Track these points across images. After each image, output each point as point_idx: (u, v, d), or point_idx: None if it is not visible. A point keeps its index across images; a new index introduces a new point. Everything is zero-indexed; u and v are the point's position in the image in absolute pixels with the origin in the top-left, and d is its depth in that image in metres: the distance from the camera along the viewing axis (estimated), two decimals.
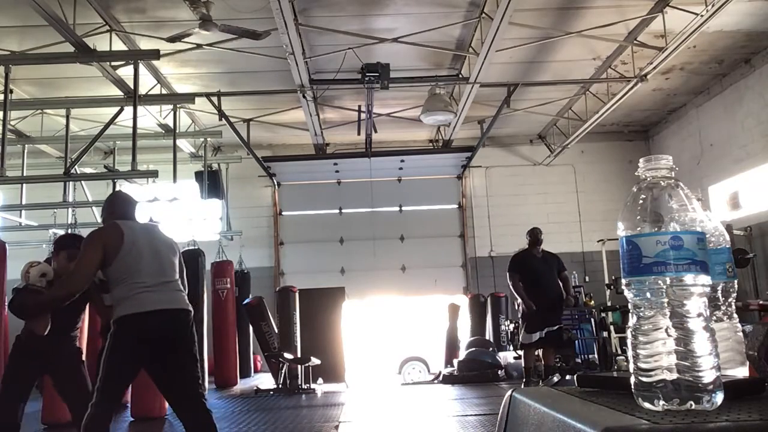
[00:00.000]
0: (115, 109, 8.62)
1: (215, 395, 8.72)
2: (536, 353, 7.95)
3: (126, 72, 8.27)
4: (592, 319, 9.62)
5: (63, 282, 3.43)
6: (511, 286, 7.72)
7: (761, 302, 6.48)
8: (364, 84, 8.86)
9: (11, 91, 8.33)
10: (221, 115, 10.12)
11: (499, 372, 9.48)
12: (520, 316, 7.92)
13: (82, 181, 10.51)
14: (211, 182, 11.64)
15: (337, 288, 10.38)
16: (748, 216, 10.43)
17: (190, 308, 3.38)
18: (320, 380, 9.05)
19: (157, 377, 3.28)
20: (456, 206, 13.90)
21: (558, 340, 7.72)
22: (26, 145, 10.93)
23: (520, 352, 9.92)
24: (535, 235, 7.78)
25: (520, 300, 7.61)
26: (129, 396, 6.55)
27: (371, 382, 10.44)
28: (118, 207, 3.59)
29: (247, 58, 8.94)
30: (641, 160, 1.02)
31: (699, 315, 0.92)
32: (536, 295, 7.47)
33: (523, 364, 7.97)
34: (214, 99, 9.97)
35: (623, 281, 0.98)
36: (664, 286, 0.93)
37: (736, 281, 1.20)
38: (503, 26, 7.48)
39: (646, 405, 0.91)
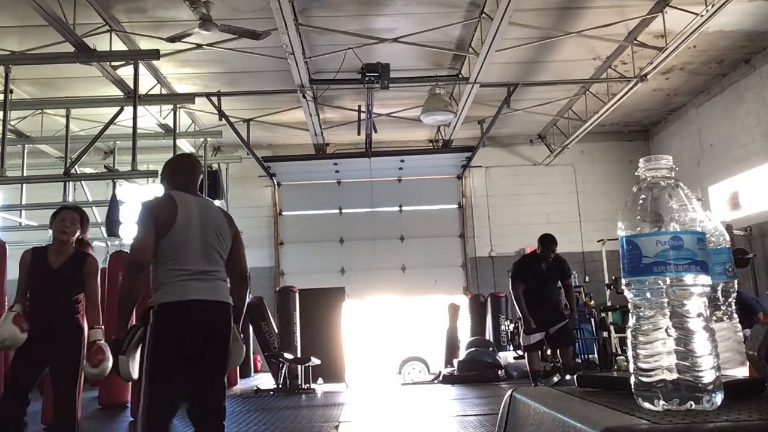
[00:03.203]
0: (115, 109, 8.62)
1: None
2: (550, 355, 7.77)
3: (126, 72, 8.27)
4: (592, 319, 9.62)
5: (123, 268, 3.10)
6: (512, 296, 7.22)
7: None
8: (364, 84, 8.86)
9: (11, 91, 8.33)
10: (221, 115, 10.13)
11: (499, 372, 9.48)
12: (519, 317, 7.83)
13: (82, 181, 10.51)
14: (211, 182, 11.63)
15: (337, 288, 10.40)
16: (748, 216, 10.43)
17: (231, 301, 3.12)
18: (320, 380, 9.05)
19: (185, 372, 2.97)
20: (456, 206, 13.90)
21: (568, 336, 7.36)
22: (26, 145, 10.93)
23: (521, 353, 9.96)
24: (543, 242, 7.19)
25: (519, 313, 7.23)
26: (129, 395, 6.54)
27: (371, 382, 10.44)
28: (178, 175, 3.25)
29: (247, 58, 8.94)
30: (641, 160, 1.02)
31: (699, 315, 0.92)
32: (534, 303, 7.07)
33: (528, 368, 7.83)
34: (214, 99, 9.98)
35: (623, 281, 0.98)
36: (664, 286, 0.93)
37: (736, 281, 1.20)
38: (503, 26, 7.48)
39: (646, 405, 0.91)
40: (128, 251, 3.15)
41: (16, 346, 3.74)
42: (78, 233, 3.99)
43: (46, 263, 3.88)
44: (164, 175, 3.31)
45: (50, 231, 4.04)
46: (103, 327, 3.93)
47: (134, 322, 3.06)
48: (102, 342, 3.81)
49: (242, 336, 3.27)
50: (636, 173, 1.02)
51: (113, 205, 8.45)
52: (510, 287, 7.22)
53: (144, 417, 2.81)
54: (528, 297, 7.07)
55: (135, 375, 2.95)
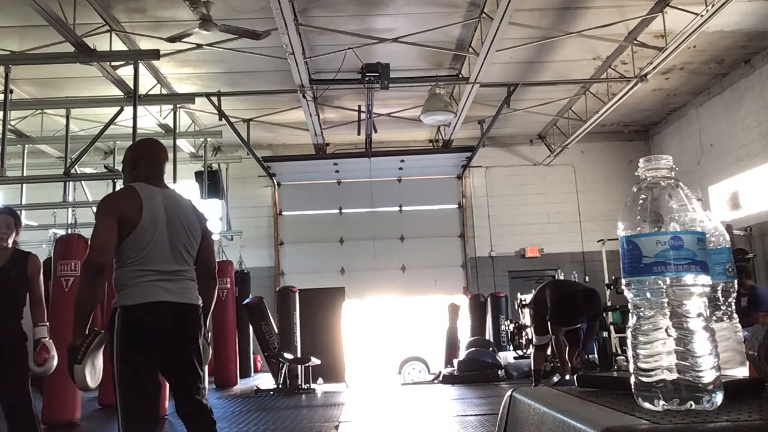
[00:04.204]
0: (115, 109, 8.62)
1: (215, 395, 8.72)
2: (550, 355, 7.78)
3: (126, 72, 8.27)
4: None
5: (82, 270, 2.81)
6: (552, 341, 7.07)
7: None
8: (364, 84, 8.87)
9: (11, 91, 8.33)
10: (221, 115, 10.13)
11: (499, 372, 9.48)
12: (530, 317, 7.80)
13: (82, 181, 10.49)
14: (211, 182, 11.64)
15: (337, 288, 10.39)
16: (748, 216, 10.43)
17: (200, 303, 2.93)
18: (320, 380, 9.05)
19: (157, 375, 2.86)
20: (456, 206, 13.90)
21: (577, 339, 7.41)
22: (26, 145, 10.94)
23: (521, 352, 9.96)
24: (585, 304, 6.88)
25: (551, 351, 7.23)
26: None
27: (371, 382, 10.44)
28: (142, 163, 2.95)
29: (247, 58, 8.94)
30: (641, 160, 1.02)
31: (699, 315, 0.92)
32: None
33: (532, 366, 7.84)
34: (214, 99, 9.98)
35: (623, 281, 0.98)
36: (664, 286, 0.93)
37: (736, 281, 1.20)
38: (503, 26, 7.48)
39: (646, 405, 0.91)
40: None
41: None
42: (14, 236, 3.97)
43: None
44: (127, 163, 2.99)
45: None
46: (48, 324, 3.92)
47: (95, 327, 2.85)
48: (47, 340, 3.79)
49: (210, 334, 3.14)
50: (636, 173, 1.02)
51: None
52: (550, 330, 7.06)
53: (124, 424, 2.63)
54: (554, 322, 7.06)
55: (92, 384, 2.72)
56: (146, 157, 2.97)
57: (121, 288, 2.76)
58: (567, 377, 7.04)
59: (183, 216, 2.90)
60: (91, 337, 2.71)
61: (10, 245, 3.95)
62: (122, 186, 3.02)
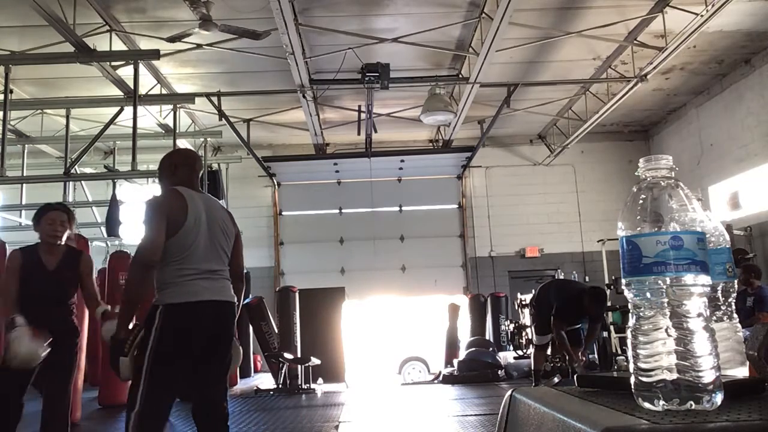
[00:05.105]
0: (115, 109, 8.62)
1: None
2: (551, 355, 7.78)
3: (126, 72, 8.27)
4: None
5: (131, 266, 2.90)
6: (555, 334, 7.03)
7: None
8: (364, 84, 8.86)
9: (11, 91, 8.33)
10: (221, 115, 10.13)
11: (499, 372, 9.48)
12: (531, 316, 7.79)
13: (82, 181, 10.52)
14: (211, 182, 11.62)
15: (337, 288, 10.39)
16: (748, 216, 10.43)
17: (235, 300, 3.02)
18: (320, 380, 9.05)
19: (190, 375, 2.89)
20: (456, 206, 13.90)
21: (579, 339, 7.40)
22: (26, 145, 10.93)
23: (521, 352, 9.96)
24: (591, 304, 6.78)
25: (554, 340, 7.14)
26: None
27: (371, 382, 10.44)
28: (182, 169, 3.07)
29: (247, 58, 8.94)
30: (641, 160, 1.02)
31: (699, 315, 0.92)
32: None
33: (532, 366, 7.83)
34: (214, 99, 9.98)
35: (623, 281, 0.98)
36: (664, 286, 0.93)
37: (736, 281, 1.20)
38: (503, 26, 7.48)
39: (646, 405, 0.91)
40: (129, 251, 3.07)
41: (34, 365, 3.52)
42: (68, 233, 3.92)
43: (41, 264, 3.79)
44: (165, 169, 3.11)
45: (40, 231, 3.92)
46: (108, 306, 3.92)
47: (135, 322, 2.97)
48: (109, 309, 3.79)
49: (238, 337, 3.19)
50: (636, 173, 1.02)
51: (113, 205, 8.45)
52: (552, 325, 7.02)
53: (138, 419, 2.68)
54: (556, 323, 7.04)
55: (131, 376, 2.80)
56: (184, 165, 3.11)
57: (164, 287, 2.84)
58: (578, 371, 6.98)
59: (220, 218, 3.04)
60: (136, 331, 2.82)
61: (63, 242, 3.90)
62: (161, 190, 3.11)
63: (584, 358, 7.31)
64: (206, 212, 2.96)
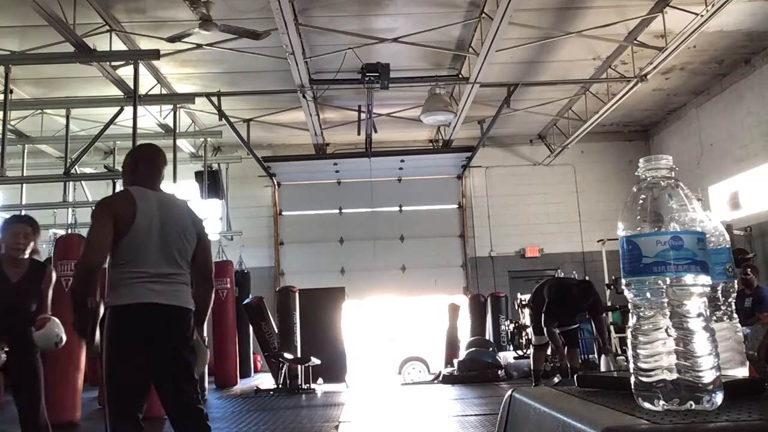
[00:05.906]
0: (115, 109, 8.62)
1: (215, 395, 8.73)
2: (551, 355, 7.77)
3: (126, 72, 8.27)
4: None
5: (76, 267, 2.91)
6: (545, 331, 7.00)
7: None
8: (364, 84, 8.86)
9: (11, 91, 8.33)
10: (221, 115, 10.13)
11: (499, 372, 9.48)
12: (530, 316, 7.79)
13: (82, 181, 10.50)
14: (211, 182, 11.64)
15: (337, 288, 10.40)
16: (748, 216, 10.43)
17: (191, 306, 2.94)
18: (320, 380, 9.05)
19: (152, 378, 2.90)
20: (456, 206, 13.90)
21: (575, 339, 7.46)
22: (26, 145, 10.93)
23: (521, 352, 9.96)
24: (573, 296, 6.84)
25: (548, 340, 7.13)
26: None
27: (371, 382, 10.44)
28: (142, 166, 3.02)
29: (247, 58, 8.94)
30: (641, 160, 1.02)
31: (699, 315, 0.92)
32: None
33: (532, 366, 7.84)
34: (214, 99, 9.98)
35: (623, 281, 0.98)
36: (664, 286, 0.93)
37: (736, 281, 1.20)
38: (503, 26, 7.48)
39: (646, 405, 0.91)
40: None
41: None
42: (32, 246, 3.84)
43: (4, 276, 3.74)
44: (126, 167, 3.06)
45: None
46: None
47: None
48: (47, 315, 3.77)
49: (206, 339, 3.16)
50: (636, 173, 1.02)
51: None
52: (543, 324, 7.03)
53: (111, 426, 2.71)
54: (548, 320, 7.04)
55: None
56: (144, 161, 3.05)
57: (114, 288, 2.83)
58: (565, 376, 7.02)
59: (178, 220, 2.97)
60: (91, 315, 2.81)
61: (27, 256, 3.83)
62: (121, 189, 3.08)
63: (579, 361, 7.32)
64: (161, 213, 2.90)
